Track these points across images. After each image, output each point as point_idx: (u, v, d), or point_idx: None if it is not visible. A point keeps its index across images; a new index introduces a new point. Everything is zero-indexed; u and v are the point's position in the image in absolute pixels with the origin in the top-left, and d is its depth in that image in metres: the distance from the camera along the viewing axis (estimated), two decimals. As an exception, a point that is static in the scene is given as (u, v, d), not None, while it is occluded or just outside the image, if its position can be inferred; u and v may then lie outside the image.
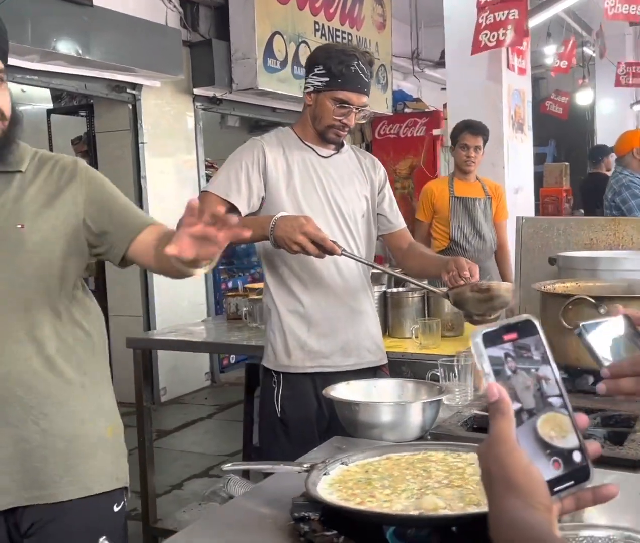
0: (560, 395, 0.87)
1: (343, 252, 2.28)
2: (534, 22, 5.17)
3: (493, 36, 4.61)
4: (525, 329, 0.89)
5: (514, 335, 0.88)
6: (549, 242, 3.13)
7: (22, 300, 1.58)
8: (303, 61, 7.26)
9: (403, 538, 1.21)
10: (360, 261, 2.48)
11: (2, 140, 1.56)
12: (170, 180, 6.64)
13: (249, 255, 8.22)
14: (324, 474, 1.32)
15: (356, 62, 2.42)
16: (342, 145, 2.58)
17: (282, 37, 6.94)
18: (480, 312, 2.25)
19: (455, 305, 2.37)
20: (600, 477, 1.43)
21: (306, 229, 2.21)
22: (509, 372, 0.86)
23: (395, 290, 3.28)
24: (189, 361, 6.43)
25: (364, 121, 2.53)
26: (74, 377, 1.65)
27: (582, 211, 7.26)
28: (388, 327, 3.22)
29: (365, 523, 1.20)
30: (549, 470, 0.82)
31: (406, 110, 8.82)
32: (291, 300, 2.46)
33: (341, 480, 1.30)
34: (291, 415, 2.48)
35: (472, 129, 4.46)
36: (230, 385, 6.93)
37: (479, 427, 1.80)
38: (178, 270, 1.46)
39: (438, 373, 2.06)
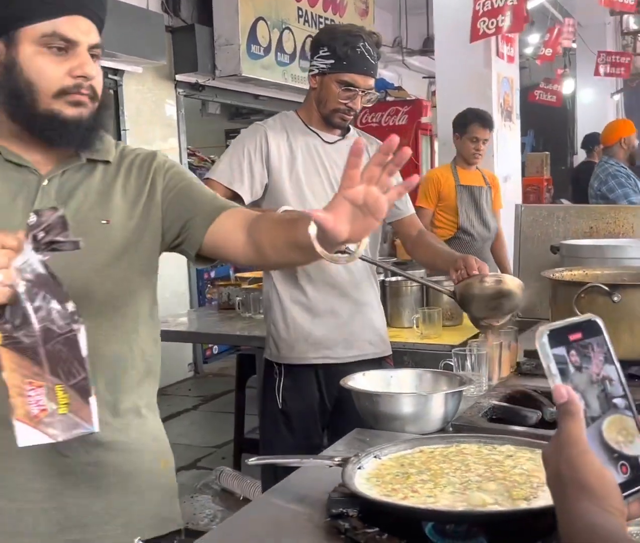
0: (625, 396, 0.84)
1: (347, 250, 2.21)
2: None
3: (492, 23, 4.57)
4: (589, 328, 0.86)
5: (578, 335, 0.85)
6: (548, 230, 3.12)
7: (96, 304, 1.38)
8: (287, 48, 7.20)
9: (443, 533, 1.17)
10: (362, 259, 2.42)
11: (92, 122, 1.39)
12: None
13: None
14: (359, 468, 1.28)
15: (362, 43, 2.36)
16: (348, 130, 2.53)
17: (266, 23, 6.87)
18: (487, 314, 2.20)
19: (461, 304, 2.32)
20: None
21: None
22: (573, 372, 0.83)
23: (393, 279, 3.25)
24: (171, 352, 6.33)
25: (370, 105, 2.48)
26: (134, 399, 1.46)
27: (562, 201, 7.28)
28: (387, 317, 3.17)
29: (405, 519, 1.16)
30: (617, 474, 0.80)
31: (388, 98, 8.78)
32: (295, 291, 2.41)
33: (378, 475, 1.25)
34: (293, 407, 2.43)
35: (483, 121, 4.39)
36: (214, 376, 6.87)
37: (498, 418, 1.77)
38: (304, 257, 1.30)
39: (451, 364, 2.02)
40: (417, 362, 2.85)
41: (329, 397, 2.47)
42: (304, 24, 7.39)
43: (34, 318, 1.06)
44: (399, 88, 9.00)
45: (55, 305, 1.07)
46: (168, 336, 3.81)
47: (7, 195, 1.38)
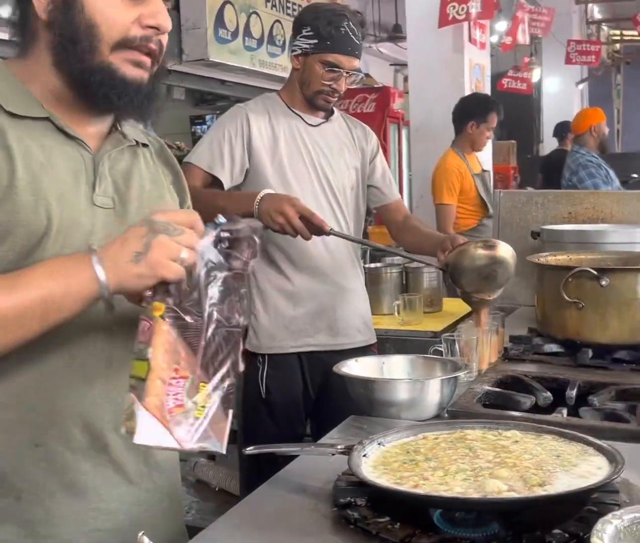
0: None
1: (331, 231, 2.18)
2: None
3: (462, 8, 4.56)
4: None
5: None
6: (527, 216, 3.11)
7: None
8: (254, 32, 7.10)
9: (452, 521, 1.14)
10: (349, 239, 2.39)
11: (151, 89, 1.17)
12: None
13: (198, 232, 8.04)
14: (364, 456, 1.24)
15: (346, 23, 2.30)
16: (332, 112, 2.49)
17: (233, 7, 6.76)
18: (479, 285, 2.16)
19: (453, 276, 2.24)
20: (631, 451, 1.40)
21: (295, 202, 2.11)
22: None
23: (372, 265, 3.22)
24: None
25: (355, 86, 2.43)
26: None
27: (528, 189, 7.33)
28: (366, 303, 3.16)
29: (418, 508, 1.12)
30: None
31: (355, 86, 8.74)
32: (279, 278, 2.36)
33: (384, 463, 1.22)
34: (276, 395, 2.39)
35: (500, 110, 4.44)
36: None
37: (492, 404, 1.75)
38: None
39: (440, 349, 1.99)
40: (399, 350, 2.82)
41: (313, 385, 2.43)
42: (271, 9, 7.29)
43: (205, 303, 1.01)
44: (367, 75, 8.97)
45: (229, 296, 1.03)
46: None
47: (70, 175, 1.16)
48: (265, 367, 2.38)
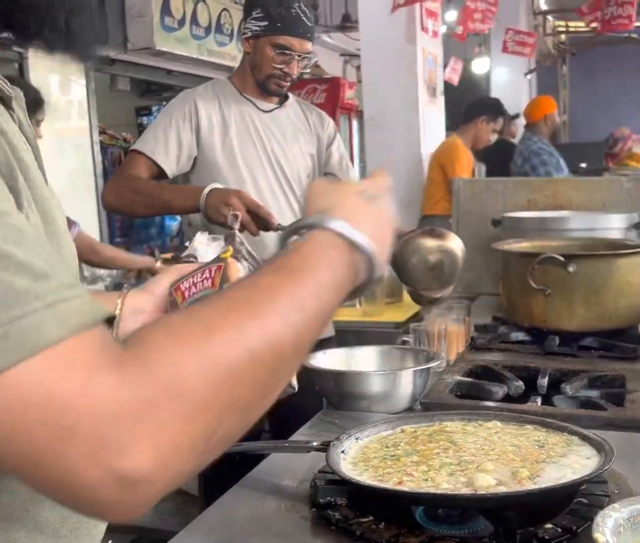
0: None
1: (279, 226, 2.09)
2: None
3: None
4: None
5: None
6: (487, 204, 3.09)
7: None
8: (201, 21, 6.97)
9: (434, 518, 1.09)
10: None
11: None
12: (64, 147, 6.19)
13: (147, 227, 7.89)
14: (342, 452, 1.17)
15: (297, 4, 2.23)
16: (286, 98, 2.41)
17: (180, -5, 6.62)
18: (426, 280, 2.10)
19: (397, 269, 2.18)
20: (612, 439, 1.37)
21: (242, 195, 2.03)
22: None
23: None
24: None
25: (307, 71, 2.37)
26: None
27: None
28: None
29: (403, 505, 1.07)
30: None
31: (304, 76, 8.67)
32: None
33: (364, 459, 1.15)
34: None
35: (506, 118, 4.90)
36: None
37: (464, 394, 1.71)
38: None
39: (408, 339, 1.94)
40: (362, 341, 2.76)
41: None
42: (218, -4, 7.17)
43: None
44: (316, 66, 8.91)
45: None
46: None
47: None
48: None
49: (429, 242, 2.05)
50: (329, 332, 2.48)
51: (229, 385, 0.60)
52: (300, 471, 1.23)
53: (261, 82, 2.31)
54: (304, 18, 2.25)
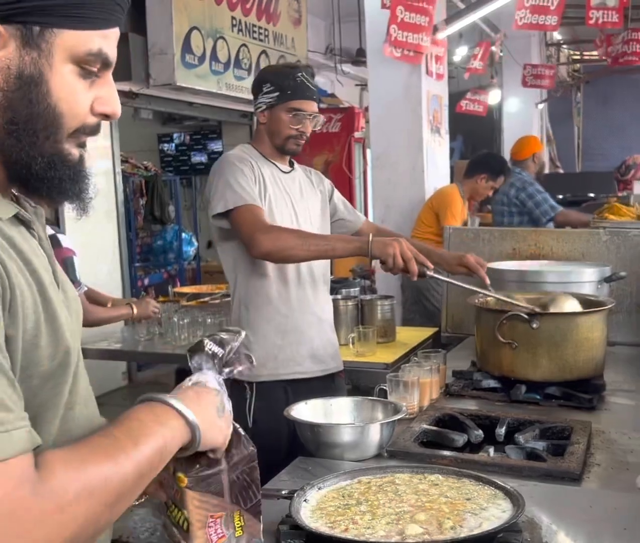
0: None
1: (432, 273, 2.35)
2: (451, 29, 5.36)
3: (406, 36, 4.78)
4: None
5: None
6: (475, 251, 3.29)
7: None
8: (220, 57, 7.26)
9: (380, 559, 1.31)
10: (448, 282, 2.74)
11: (84, 166, 1.05)
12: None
13: (165, 252, 8.17)
14: (305, 500, 1.41)
15: (301, 73, 2.54)
16: (292, 163, 2.67)
17: (200, 33, 6.91)
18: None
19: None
20: (544, 490, 1.58)
21: (401, 247, 2.29)
22: None
23: (331, 297, 3.39)
24: (104, 361, 6.33)
25: (318, 128, 2.62)
26: None
27: (489, 207, 7.58)
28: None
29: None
30: None
31: (321, 105, 8.92)
32: (268, 309, 2.52)
33: (321, 508, 1.39)
34: (263, 425, 2.49)
35: (508, 177, 5.07)
36: (149, 384, 6.87)
37: (429, 441, 1.93)
38: None
39: (385, 388, 2.16)
40: (353, 379, 3.00)
41: None
42: (237, 33, 7.46)
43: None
44: (332, 95, 9.17)
45: (241, 432, 1.18)
46: (108, 355, 3.91)
47: (44, 271, 1.03)
48: (253, 398, 2.52)
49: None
50: (341, 365, 2.70)
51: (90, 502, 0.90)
52: (274, 513, 1.45)
53: (280, 145, 2.58)
54: (308, 84, 2.55)
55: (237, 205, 2.41)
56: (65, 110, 0.98)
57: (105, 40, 0.99)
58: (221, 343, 1.14)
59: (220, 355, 1.14)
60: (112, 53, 1.01)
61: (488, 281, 2.51)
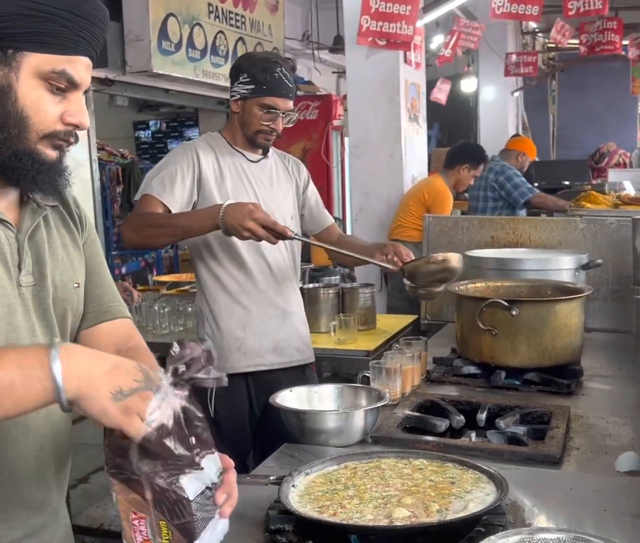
0: None
1: (295, 236, 2.34)
2: (428, 18, 5.38)
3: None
4: None
5: None
6: (454, 239, 3.35)
7: None
8: (197, 43, 7.23)
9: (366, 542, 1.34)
10: (309, 243, 2.65)
11: (61, 164, 1.26)
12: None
13: (143, 240, 8.11)
14: (293, 486, 1.43)
15: (279, 69, 2.51)
16: (267, 149, 2.67)
17: (177, 19, 6.86)
18: (430, 284, 2.42)
19: (409, 277, 2.46)
20: (526, 474, 1.62)
21: (255, 215, 2.26)
22: None
23: (311, 286, 3.41)
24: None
25: (290, 125, 2.62)
26: None
27: (466, 195, 7.65)
28: (304, 322, 3.34)
29: (331, 532, 1.32)
30: None
31: (298, 93, 8.91)
32: (229, 302, 2.54)
33: (309, 492, 1.41)
34: (224, 416, 2.54)
35: (487, 163, 5.27)
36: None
37: (412, 427, 1.96)
38: None
39: (368, 375, 2.18)
40: (334, 367, 3.03)
41: (258, 404, 2.60)
42: (214, 20, 7.42)
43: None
44: (309, 82, 9.16)
45: (178, 447, 1.07)
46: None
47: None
48: (214, 389, 2.53)
49: (435, 268, 2.37)
50: (310, 357, 2.72)
51: None
52: (261, 500, 1.47)
53: (250, 137, 2.57)
54: (285, 80, 2.52)
55: (143, 192, 2.47)
56: (32, 115, 1.20)
57: (71, 64, 1.20)
58: (182, 355, 1.09)
59: (182, 363, 1.09)
60: (77, 76, 1.21)
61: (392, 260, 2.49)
